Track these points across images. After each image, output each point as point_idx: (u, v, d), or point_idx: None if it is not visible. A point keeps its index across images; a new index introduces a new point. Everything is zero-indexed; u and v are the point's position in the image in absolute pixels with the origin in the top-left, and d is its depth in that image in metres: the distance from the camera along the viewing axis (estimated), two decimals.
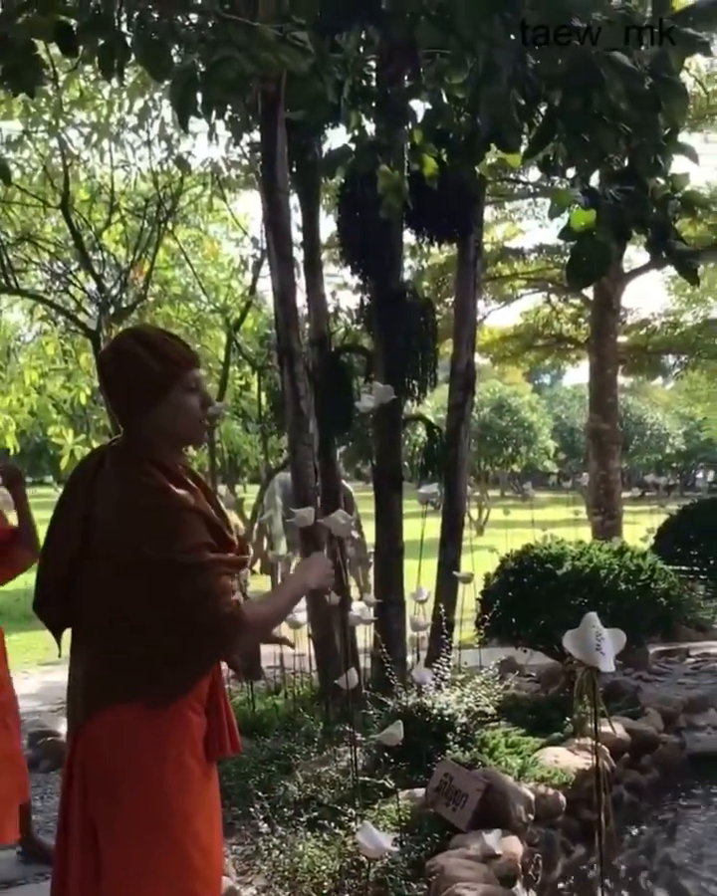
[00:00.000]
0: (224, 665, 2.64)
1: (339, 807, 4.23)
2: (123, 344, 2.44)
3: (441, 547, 6.26)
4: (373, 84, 5.97)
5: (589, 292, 14.43)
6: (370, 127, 5.99)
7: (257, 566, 15.02)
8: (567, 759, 4.83)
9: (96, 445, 5.97)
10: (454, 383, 6.39)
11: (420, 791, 4.37)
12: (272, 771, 4.84)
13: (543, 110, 4.05)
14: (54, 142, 8.53)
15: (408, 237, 6.64)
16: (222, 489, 8.18)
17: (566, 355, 20.84)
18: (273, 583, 8.35)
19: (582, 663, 2.39)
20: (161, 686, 2.33)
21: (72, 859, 2.38)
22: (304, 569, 2.62)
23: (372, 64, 6.01)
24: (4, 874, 4.43)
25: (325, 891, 3.76)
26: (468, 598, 6.62)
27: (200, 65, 4.17)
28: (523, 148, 4.27)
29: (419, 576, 5.61)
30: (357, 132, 5.98)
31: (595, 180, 4.35)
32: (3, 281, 8.70)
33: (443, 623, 5.56)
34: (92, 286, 9.55)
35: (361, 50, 5.81)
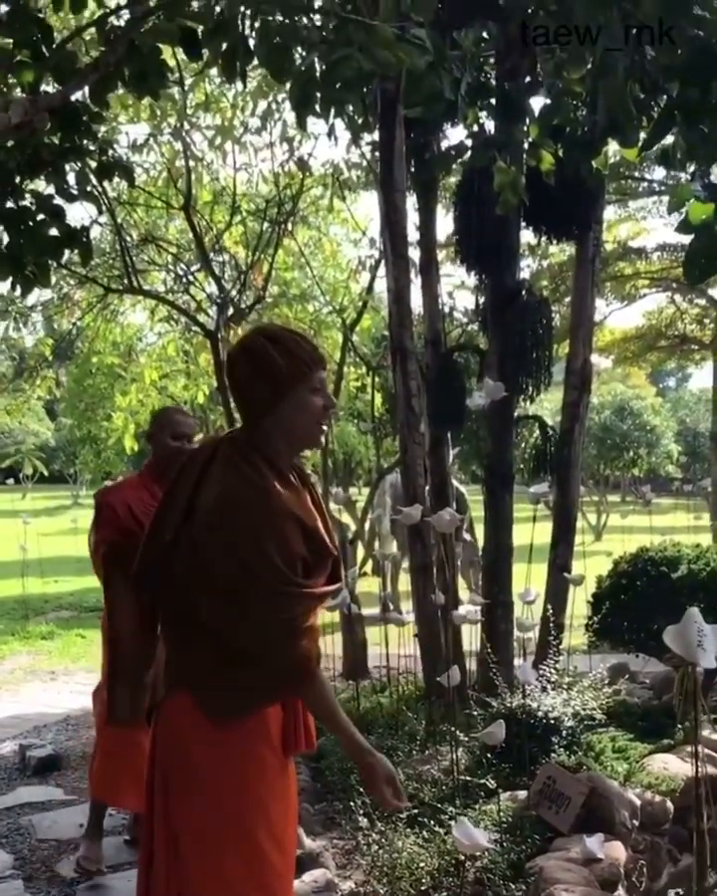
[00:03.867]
0: None
1: (439, 806, 4.22)
2: (253, 341, 2.47)
3: (552, 547, 6.19)
4: (492, 80, 5.94)
5: (715, 292, 14.05)
6: (489, 124, 5.97)
7: (368, 567, 15.05)
8: (676, 766, 4.73)
9: None
10: (569, 382, 6.32)
11: (522, 794, 4.34)
12: None
13: (661, 102, 3.98)
14: (178, 145, 8.67)
15: (527, 236, 6.60)
16: (335, 489, 8.23)
17: (689, 357, 20.40)
18: (382, 584, 8.35)
19: (683, 660, 2.33)
20: (222, 702, 2.37)
21: (157, 838, 2.44)
22: (375, 761, 2.49)
23: (491, 60, 5.99)
24: (112, 859, 4.56)
25: (423, 888, 3.76)
26: (580, 604, 6.53)
27: (319, 64, 4.22)
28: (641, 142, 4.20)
29: (528, 578, 5.56)
30: (474, 129, 5.96)
31: (716, 174, 4.25)
32: (126, 281, 8.90)
33: (551, 625, 5.49)
34: (212, 287, 9.69)
35: (480, 46, 5.79)
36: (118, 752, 4.35)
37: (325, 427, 2.54)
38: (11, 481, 35.59)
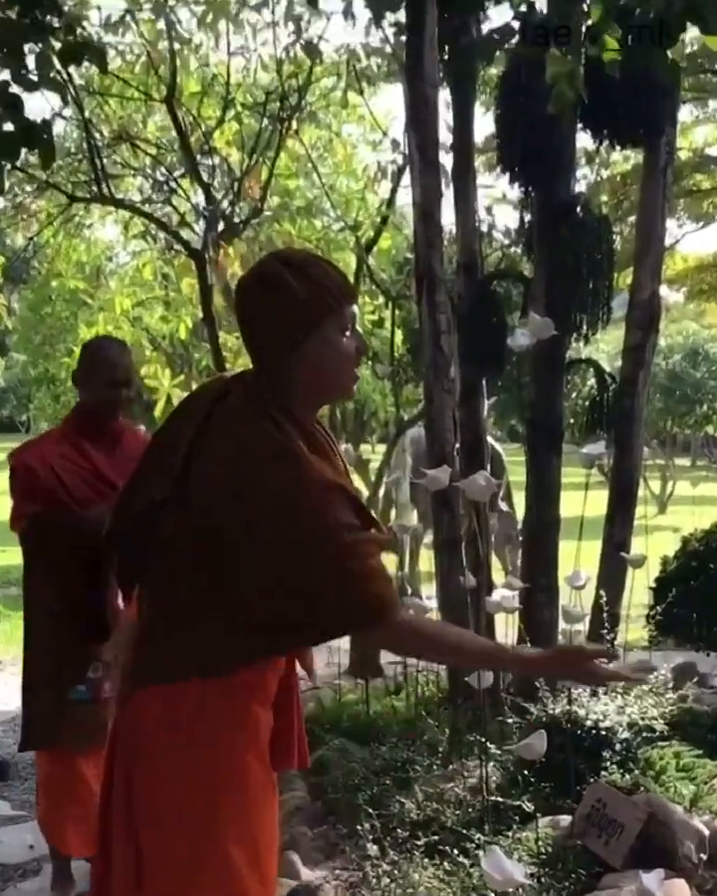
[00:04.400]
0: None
1: (464, 832, 4.21)
2: (269, 268, 2.43)
3: (607, 522, 6.16)
4: None
5: None
6: (541, 2, 5.88)
7: None
8: None
9: None
10: (632, 319, 6.27)
11: (566, 819, 4.33)
12: (387, 784, 4.84)
13: None
14: (161, 24, 8.56)
15: (584, 140, 6.52)
16: (344, 446, 8.20)
17: None
18: (399, 562, 8.32)
19: None
20: (230, 650, 2.36)
21: (116, 861, 2.44)
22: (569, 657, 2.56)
23: None
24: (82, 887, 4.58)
25: None
26: (639, 590, 6.51)
27: None
28: None
29: (578, 558, 5.53)
30: (523, 8, 5.86)
31: None
32: (95, 189, 8.82)
33: (605, 616, 5.47)
34: (199, 197, 9.62)
35: None
36: (56, 782, 4.30)
37: (357, 374, 2.51)
38: None
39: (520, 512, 7.10)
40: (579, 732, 4.66)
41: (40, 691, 4.21)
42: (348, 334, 2.44)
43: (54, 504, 4.07)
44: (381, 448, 18.43)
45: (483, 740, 4.47)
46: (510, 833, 4.28)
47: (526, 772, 4.55)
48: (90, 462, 4.14)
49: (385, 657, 7.31)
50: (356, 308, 2.48)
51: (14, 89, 4.36)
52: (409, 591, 7.99)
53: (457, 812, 4.49)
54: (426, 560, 7.54)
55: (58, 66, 4.72)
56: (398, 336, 10.25)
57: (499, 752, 4.79)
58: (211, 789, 2.38)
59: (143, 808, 2.40)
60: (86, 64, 5.01)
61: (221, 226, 8.92)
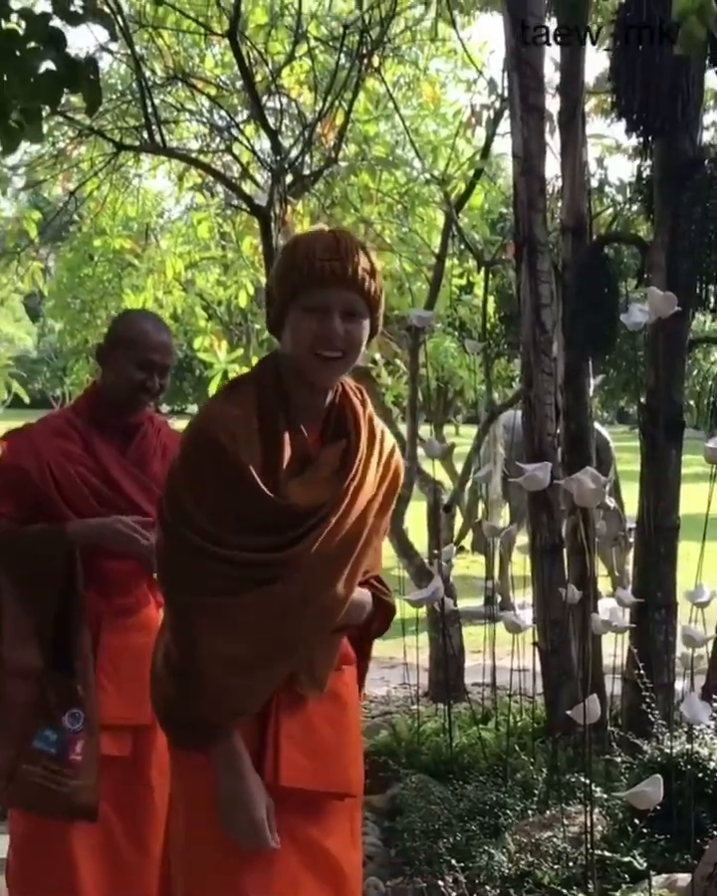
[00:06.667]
0: None
1: (564, 891, 4.16)
2: (287, 243, 2.70)
3: None
4: None
5: None
6: None
7: (467, 542, 14.98)
8: None
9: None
10: None
11: (685, 878, 4.24)
12: (473, 831, 4.80)
13: None
14: None
15: (712, 79, 6.42)
16: (426, 430, 8.11)
17: None
18: (487, 568, 8.23)
19: None
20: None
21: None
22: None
23: None
24: None
25: None
26: None
27: None
28: None
29: (701, 567, 5.43)
30: None
31: None
32: (146, 135, 8.82)
33: None
34: (264, 144, 9.60)
35: None
36: (32, 846, 3.74)
37: (330, 361, 2.57)
38: None
39: (630, 506, 7.01)
40: (701, 775, 4.58)
41: None
42: (314, 316, 2.52)
43: (33, 508, 3.69)
44: (467, 430, 18.32)
45: (587, 782, 4.37)
46: (618, 894, 4.21)
47: (637, 821, 4.48)
48: (97, 461, 3.83)
49: (471, 678, 7.24)
50: (329, 291, 2.52)
51: (55, 22, 4.32)
52: (499, 601, 7.89)
53: (556, 867, 4.42)
54: (520, 565, 7.47)
55: None
56: (490, 305, 10.16)
57: (606, 796, 4.72)
58: (189, 823, 2.53)
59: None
60: None
61: (289, 178, 8.88)
